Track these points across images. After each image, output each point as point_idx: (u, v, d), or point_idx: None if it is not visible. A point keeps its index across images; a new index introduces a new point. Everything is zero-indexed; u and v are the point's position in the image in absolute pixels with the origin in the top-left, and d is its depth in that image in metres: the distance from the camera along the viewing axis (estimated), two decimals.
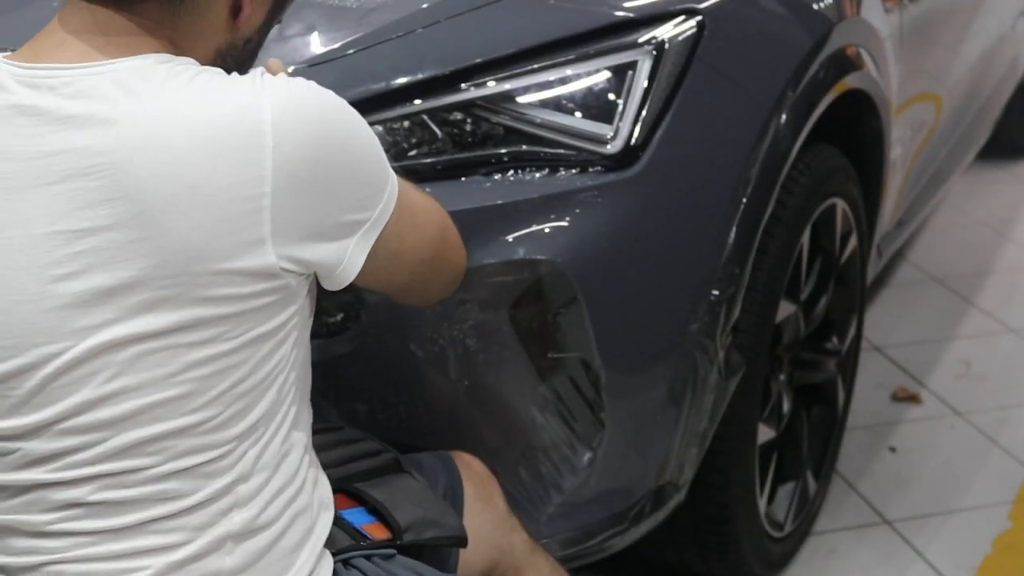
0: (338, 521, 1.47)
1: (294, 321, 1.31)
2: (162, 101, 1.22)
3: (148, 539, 1.27)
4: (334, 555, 1.43)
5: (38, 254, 1.22)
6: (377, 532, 1.50)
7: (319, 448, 1.49)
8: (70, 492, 1.26)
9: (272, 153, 1.22)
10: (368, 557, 1.45)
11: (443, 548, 1.56)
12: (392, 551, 1.48)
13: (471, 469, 1.66)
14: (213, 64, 1.34)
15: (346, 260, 1.32)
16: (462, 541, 1.55)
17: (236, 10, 1.35)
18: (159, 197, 1.20)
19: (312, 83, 1.30)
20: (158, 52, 1.28)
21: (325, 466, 1.49)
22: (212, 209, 1.21)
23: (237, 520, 1.30)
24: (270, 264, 1.24)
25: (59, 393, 1.24)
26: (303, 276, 1.30)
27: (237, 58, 1.39)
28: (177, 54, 1.30)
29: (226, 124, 1.22)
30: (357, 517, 1.51)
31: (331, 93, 1.31)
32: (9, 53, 1.32)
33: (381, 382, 1.79)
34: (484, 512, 1.61)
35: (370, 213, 1.33)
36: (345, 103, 1.33)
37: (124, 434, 1.25)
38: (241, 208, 1.22)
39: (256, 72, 1.29)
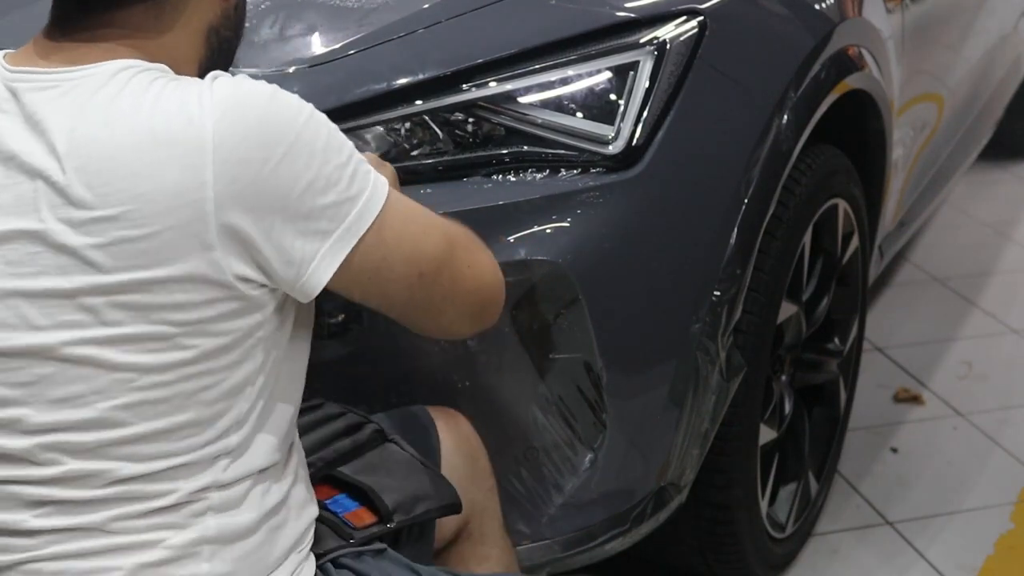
0: (322, 514, 1.46)
1: (261, 332, 1.29)
2: (113, 110, 1.23)
3: (118, 538, 1.27)
4: (321, 555, 1.43)
5: None
6: (364, 518, 1.49)
7: (299, 431, 1.48)
8: (39, 490, 1.26)
9: (212, 158, 1.21)
10: (358, 555, 1.45)
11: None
12: (383, 546, 1.47)
13: (457, 427, 1.66)
14: (208, 42, 1.35)
15: (308, 273, 1.27)
16: (455, 508, 1.55)
17: None
18: (107, 204, 1.21)
19: (264, 85, 1.27)
20: (129, 58, 1.28)
21: (307, 450, 1.48)
22: (157, 217, 1.20)
23: (212, 524, 1.29)
24: (219, 272, 1.23)
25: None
26: (264, 288, 1.27)
27: (231, 26, 1.39)
28: (152, 58, 1.29)
29: (168, 134, 1.21)
30: (341, 505, 1.50)
31: (286, 95, 1.27)
32: (7, 53, 1.33)
33: (382, 383, 1.79)
34: (462, 466, 1.61)
35: (336, 223, 1.27)
36: (303, 105, 1.28)
37: (87, 435, 1.25)
38: (185, 215, 1.21)
39: (208, 77, 1.27)
